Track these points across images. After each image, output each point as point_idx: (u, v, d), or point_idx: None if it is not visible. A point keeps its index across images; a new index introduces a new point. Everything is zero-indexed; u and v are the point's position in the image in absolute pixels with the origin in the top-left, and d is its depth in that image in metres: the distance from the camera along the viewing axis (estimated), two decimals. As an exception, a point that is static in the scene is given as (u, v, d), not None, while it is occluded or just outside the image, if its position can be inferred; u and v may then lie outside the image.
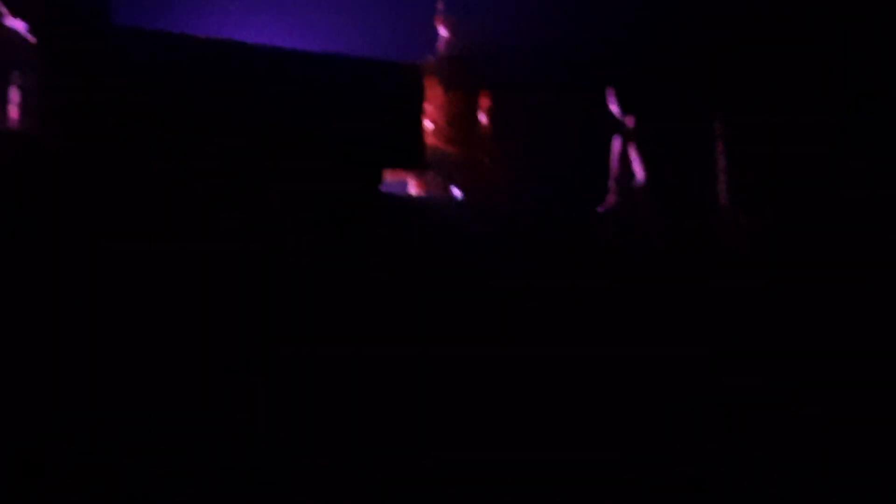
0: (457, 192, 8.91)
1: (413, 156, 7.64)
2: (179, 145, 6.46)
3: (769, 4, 9.15)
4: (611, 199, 8.91)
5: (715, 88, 8.97)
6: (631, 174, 8.82)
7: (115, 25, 6.67)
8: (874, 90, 8.86)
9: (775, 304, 7.88)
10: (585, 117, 9.28)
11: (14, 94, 6.92)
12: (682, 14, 9.28)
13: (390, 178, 7.81)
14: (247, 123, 6.74)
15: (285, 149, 6.81)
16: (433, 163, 8.46)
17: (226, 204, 6.51)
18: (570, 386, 7.10)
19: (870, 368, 7.72)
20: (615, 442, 7.00)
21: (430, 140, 8.56)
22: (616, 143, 8.95)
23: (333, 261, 6.72)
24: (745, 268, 8.22)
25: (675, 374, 7.43)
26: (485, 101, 9.23)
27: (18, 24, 6.79)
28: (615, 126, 8.96)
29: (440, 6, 9.44)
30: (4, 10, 6.78)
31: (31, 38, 6.77)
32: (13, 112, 6.96)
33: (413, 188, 8.99)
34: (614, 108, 9.01)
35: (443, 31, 9.40)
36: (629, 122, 8.89)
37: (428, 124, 8.47)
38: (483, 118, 9.24)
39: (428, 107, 8.46)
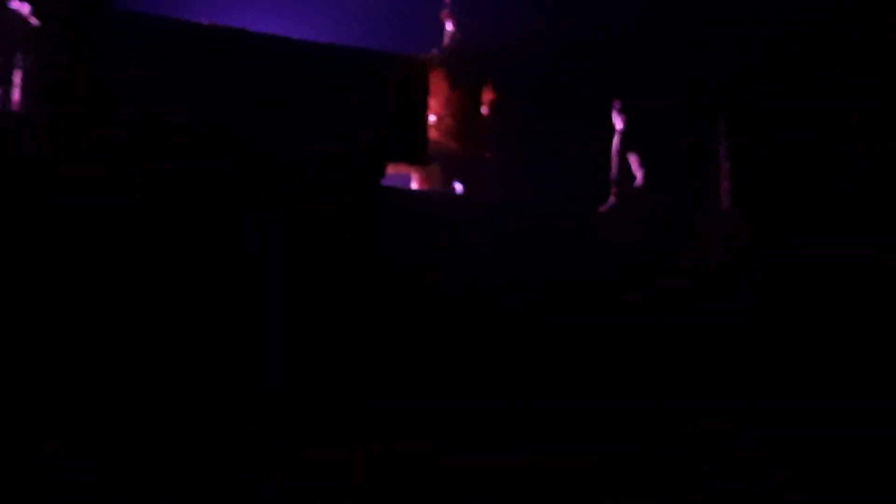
0: (458, 187, 8.88)
1: (416, 150, 7.61)
2: (179, 132, 6.43)
3: (771, 6, 9.14)
4: (611, 198, 8.89)
5: (716, 90, 8.95)
6: (631, 174, 8.81)
7: (117, 10, 6.64)
8: (876, 92, 8.84)
9: (773, 306, 7.87)
10: (587, 115, 9.27)
11: (16, 76, 6.90)
12: (685, 14, 9.27)
13: (392, 171, 7.78)
14: (249, 112, 6.70)
15: (287, 139, 6.78)
16: (436, 157, 8.42)
17: (226, 195, 6.47)
18: (571, 382, 7.08)
19: (871, 368, 7.71)
20: (615, 441, 6.98)
21: (432, 134, 8.52)
22: (617, 143, 8.93)
23: (334, 253, 6.69)
24: (743, 269, 8.20)
25: (675, 372, 7.41)
26: (488, 97, 9.19)
27: (22, 7, 6.76)
28: (616, 126, 8.95)
29: (446, 1, 9.41)
30: (8, -7, 6.76)
31: (34, 21, 6.74)
32: (15, 94, 6.94)
33: (415, 182, 8.96)
34: (616, 107, 8.99)
35: (448, 26, 9.37)
36: (630, 122, 8.87)
37: (431, 118, 8.43)
38: (486, 114, 9.20)
39: (432, 101, 8.42)
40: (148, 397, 5.88)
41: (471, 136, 9.08)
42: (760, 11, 9.02)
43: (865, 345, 7.86)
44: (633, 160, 8.81)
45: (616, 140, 8.96)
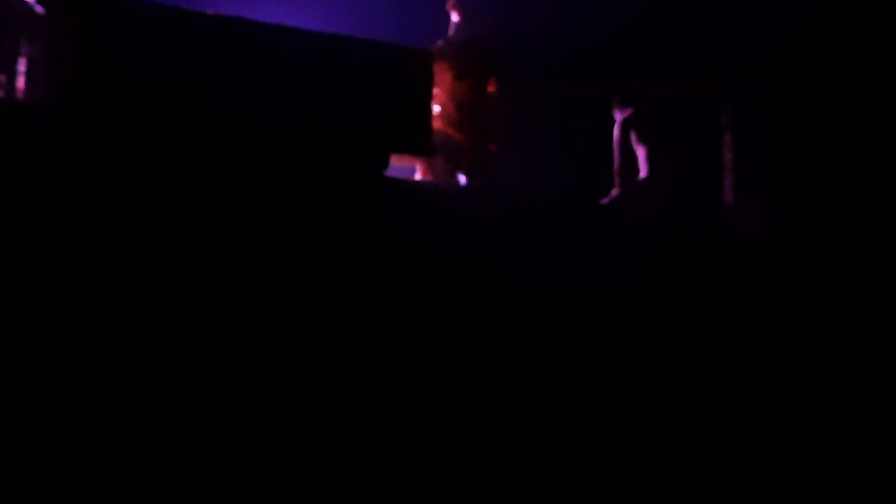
0: (463, 179, 8.88)
1: (420, 141, 7.59)
2: (183, 122, 6.43)
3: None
4: (615, 190, 8.90)
5: (722, 81, 8.93)
6: (635, 166, 8.81)
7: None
8: (882, 86, 8.82)
9: (780, 300, 7.86)
10: (592, 107, 9.26)
11: (21, 64, 6.90)
12: (692, 6, 9.26)
13: (397, 163, 7.77)
14: (252, 103, 6.69)
15: (291, 130, 6.77)
16: (440, 149, 8.42)
17: (229, 185, 6.48)
18: (574, 377, 7.08)
19: (875, 366, 7.70)
20: (616, 438, 6.99)
21: (437, 126, 8.52)
22: (621, 135, 8.92)
23: (337, 245, 6.69)
24: (750, 263, 8.19)
25: (678, 367, 7.41)
26: (494, 88, 9.19)
27: (27, -6, 6.77)
28: (620, 117, 8.95)
29: (453, -9, 9.40)
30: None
31: (39, 8, 6.74)
32: (20, 81, 6.95)
33: (419, 174, 8.97)
34: (621, 99, 8.98)
35: (454, 17, 9.36)
36: (635, 113, 8.87)
37: (436, 109, 8.42)
38: (491, 105, 9.20)
39: (437, 92, 8.41)
40: (147, 395, 5.88)
41: (476, 127, 9.09)
42: (768, 1, 9.01)
43: (871, 342, 7.84)
44: (638, 152, 8.81)
45: (616, 132, 8.95)
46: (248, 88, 6.68)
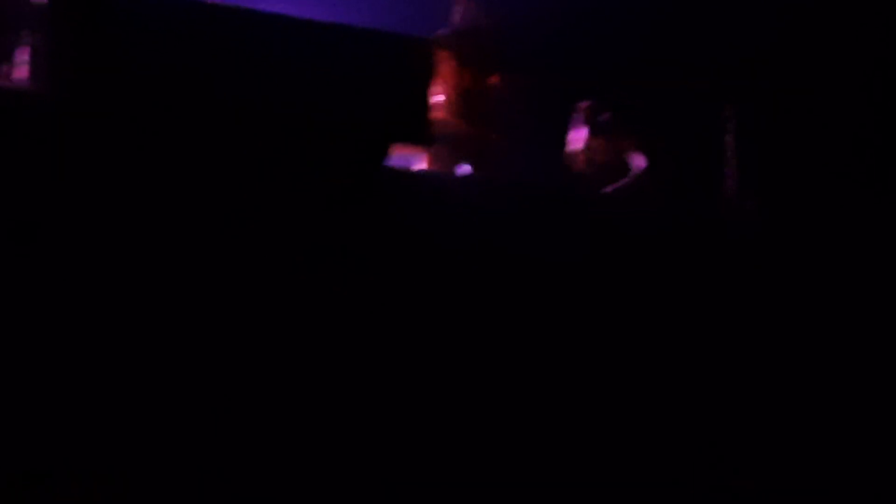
0: (465, 168, 8.89)
1: (420, 130, 7.60)
2: (183, 112, 6.45)
3: None
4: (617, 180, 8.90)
5: (724, 72, 8.92)
6: (636, 157, 8.82)
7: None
8: (884, 81, 8.79)
9: (782, 294, 7.85)
10: (594, 98, 9.26)
11: (23, 54, 6.92)
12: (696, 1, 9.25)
13: (397, 152, 7.78)
14: (251, 93, 6.71)
15: (290, 120, 6.79)
16: (441, 138, 8.43)
17: (228, 176, 6.50)
18: (577, 372, 7.09)
19: (878, 362, 7.69)
20: (616, 436, 7.00)
21: (439, 115, 8.53)
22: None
23: (336, 234, 6.71)
24: (752, 255, 8.19)
25: (679, 362, 7.41)
26: (496, 78, 9.19)
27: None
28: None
29: (455, -19, 9.40)
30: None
31: (41, -2, 6.77)
32: (22, 72, 6.96)
33: (420, 163, 8.98)
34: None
35: (457, 6, 9.37)
36: (639, 104, 8.88)
37: (437, 98, 8.43)
38: (494, 94, 9.20)
39: (439, 82, 8.43)
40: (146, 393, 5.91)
41: (478, 117, 9.10)
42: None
43: (874, 338, 7.82)
44: (638, 144, 8.82)
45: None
46: (247, 78, 6.69)
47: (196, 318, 6.07)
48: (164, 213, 6.16)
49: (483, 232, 7.28)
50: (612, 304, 7.40)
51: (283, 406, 6.14)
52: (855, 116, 8.64)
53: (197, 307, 6.09)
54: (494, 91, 9.17)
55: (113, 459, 5.65)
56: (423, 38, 7.85)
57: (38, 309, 5.73)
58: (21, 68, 6.94)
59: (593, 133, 9.12)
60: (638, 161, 8.94)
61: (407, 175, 7.86)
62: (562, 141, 9.57)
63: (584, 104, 9.24)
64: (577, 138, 9.19)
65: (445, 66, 8.80)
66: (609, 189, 9.02)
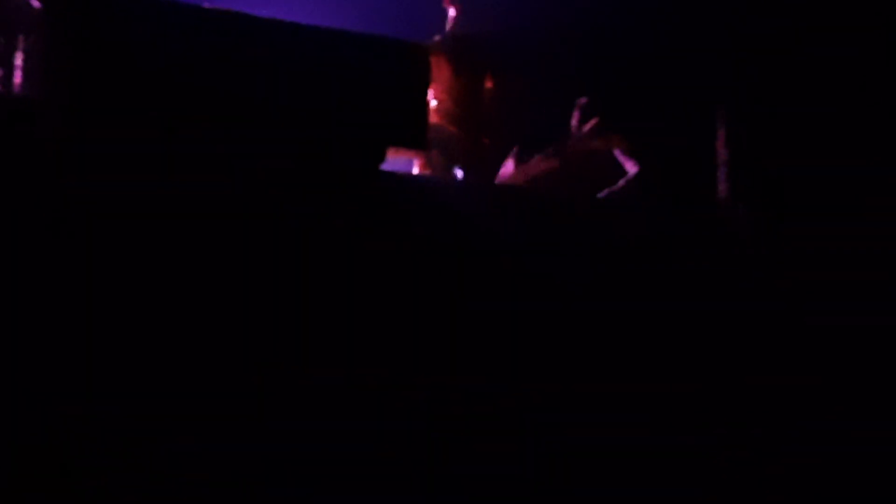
0: (459, 173, 8.91)
1: (416, 135, 7.60)
2: (180, 117, 6.44)
3: None
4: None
5: (717, 77, 8.93)
6: (627, 161, 8.82)
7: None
8: (880, 80, 8.81)
9: (777, 298, 7.85)
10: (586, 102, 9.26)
11: (18, 59, 6.90)
12: (690, 3, 9.26)
13: (393, 157, 7.78)
14: (247, 98, 6.70)
15: (287, 124, 6.78)
16: (436, 143, 8.44)
17: (224, 181, 6.49)
18: (577, 373, 7.09)
19: (878, 365, 7.70)
20: (617, 435, 7.00)
21: (434, 120, 8.54)
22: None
23: (332, 239, 6.70)
24: (746, 260, 8.19)
25: (677, 365, 7.42)
26: (490, 82, 9.21)
27: (24, -11, 6.76)
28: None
29: (449, -14, 9.42)
30: (9, -26, 6.75)
31: (36, 3, 6.74)
32: (17, 77, 6.94)
33: (416, 168, 8.99)
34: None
35: (451, 12, 9.39)
36: (629, 109, 8.89)
37: (432, 103, 8.45)
38: (488, 99, 9.22)
39: (434, 87, 8.43)
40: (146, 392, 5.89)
41: (472, 122, 9.11)
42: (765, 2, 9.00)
43: (872, 341, 7.83)
44: (629, 149, 8.83)
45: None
46: (241, 82, 6.69)
47: (196, 317, 6.06)
48: (164, 215, 6.16)
49: (477, 236, 7.28)
50: (607, 307, 7.41)
51: (284, 406, 6.14)
52: (853, 119, 8.66)
53: (197, 307, 6.08)
54: (489, 96, 9.19)
55: (113, 459, 5.64)
56: (419, 43, 7.86)
57: (39, 309, 5.72)
58: (15, 73, 6.92)
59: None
60: (630, 166, 8.95)
61: (403, 179, 7.86)
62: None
63: (576, 109, 9.26)
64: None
65: (440, 71, 8.81)
66: (601, 194, 9.02)
